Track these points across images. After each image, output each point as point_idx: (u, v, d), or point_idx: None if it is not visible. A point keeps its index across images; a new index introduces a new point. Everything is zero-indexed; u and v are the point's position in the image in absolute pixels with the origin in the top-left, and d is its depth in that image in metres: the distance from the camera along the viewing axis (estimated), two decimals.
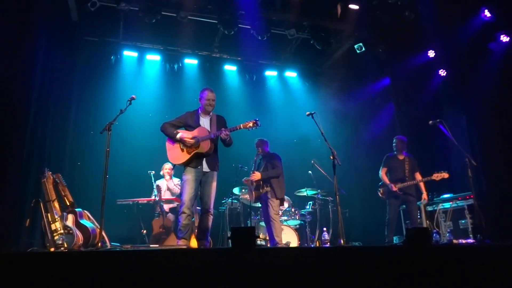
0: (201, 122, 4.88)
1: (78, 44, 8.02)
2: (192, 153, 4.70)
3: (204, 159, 4.76)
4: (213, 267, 2.69)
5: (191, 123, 4.86)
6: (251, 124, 4.75)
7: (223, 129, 4.73)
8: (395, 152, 6.68)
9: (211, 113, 4.98)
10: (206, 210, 4.73)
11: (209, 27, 8.10)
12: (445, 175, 6.12)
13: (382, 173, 6.65)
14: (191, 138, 4.71)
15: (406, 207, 6.59)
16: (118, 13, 7.56)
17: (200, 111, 4.97)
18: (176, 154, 4.77)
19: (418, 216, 6.60)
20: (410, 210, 6.42)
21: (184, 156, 4.72)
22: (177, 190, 6.94)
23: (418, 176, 6.46)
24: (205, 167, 4.76)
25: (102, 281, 2.52)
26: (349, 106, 9.73)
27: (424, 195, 6.38)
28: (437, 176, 6.16)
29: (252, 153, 6.23)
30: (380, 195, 6.66)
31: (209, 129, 4.81)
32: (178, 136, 4.73)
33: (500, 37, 6.60)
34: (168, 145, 4.84)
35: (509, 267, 3.20)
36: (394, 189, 6.36)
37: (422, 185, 6.39)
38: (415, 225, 6.30)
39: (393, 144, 6.71)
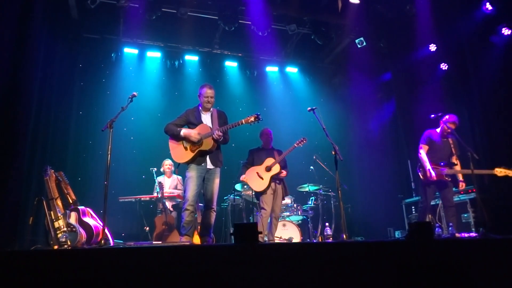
0: (202, 119, 4.88)
1: (79, 42, 8.04)
2: (196, 151, 4.70)
3: (208, 156, 4.76)
4: (216, 263, 2.70)
5: (192, 120, 4.85)
6: (252, 119, 4.74)
7: (216, 129, 4.68)
8: (439, 131, 5.88)
9: (211, 109, 4.97)
10: (209, 206, 4.74)
11: (210, 23, 8.09)
12: (511, 173, 5.26)
13: (423, 151, 5.78)
14: (197, 134, 4.71)
15: (441, 193, 5.82)
16: (118, 10, 7.56)
17: (200, 108, 4.96)
18: (180, 153, 4.77)
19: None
20: (448, 197, 5.71)
21: (188, 155, 4.72)
22: (177, 192, 6.91)
23: (457, 161, 5.79)
24: (209, 164, 4.77)
25: (105, 278, 2.52)
26: (351, 101, 9.73)
27: (462, 181, 5.73)
28: (499, 172, 5.30)
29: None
30: (428, 177, 5.65)
31: (210, 126, 4.81)
32: (181, 133, 4.73)
33: (501, 30, 6.56)
34: (171, 144, 4.84)
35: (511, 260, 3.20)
36: (434, 179, 5.62)
37: (460, 174, 5.73)
38: (453, 211, 5.70)
39: (446, 125, 5.76)
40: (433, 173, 5.61)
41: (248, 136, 7.22)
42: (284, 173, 5.81)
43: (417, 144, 6.30)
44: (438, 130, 5.92)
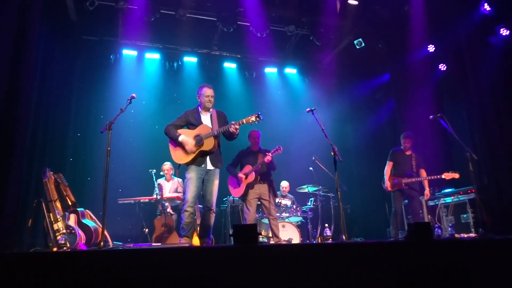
0: (202, 119, 4.87)
1: (77, 44, 8.04)
2: (197, 152, 4.69)
3: (208, 156, 4.76)
4: (215, 265, 2.70)
5: (192, 121, 4.85)
6: (253, 118, 4.71)
7: (232, 122, 4.67)
8: (402, 147, 6.57)
9: (211, 110, 4.98)
10: (208, 208, 4.73)
11: (208, 25, 8.09)
12: (456, 175, 5.99)
13: (387, 167, 6.54)
14: (193, 138, 4.71)
15: (408, 203, 6.49)
16: (117, 12, 7.55)
17: (200, 108, 4.96)
18: (181, 154, 4.75)
19: (421, 211, 6.59)
20: (413, 206, 6.32)
21: (189, 155, 4.71)
22: (176, 194, 6.89)
23: (423, 173, 6.38)
24: (209, 165, 4.76)
25: (105, 280, 2.52)
26: (350, 101, 9.73)
27: (427, 192, 6.31)
28: (447, 176, 6.03)
29: None
30: (385, 188, 6.50)
31: (210, 126, 4.81)
32: (180, 138, 4.72)
33: (500, 31, 6.57)
34: (172, 146, 4.83)
35: (511, 260, 3.20)
36: (390, 189, 6.38)
37: (426, 182, 6.31)
38: (417, 221, 6.21)
39: (402, 141, 6.56)
40: (387, 184, 6.42)
41: (246, 137, 7.21)
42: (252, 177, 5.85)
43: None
44: (401, 147, 6.58)
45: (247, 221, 5.78)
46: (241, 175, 5.82)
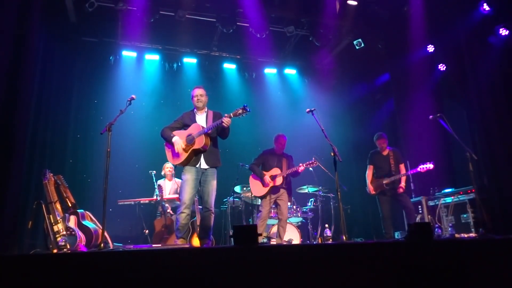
0: (197, 120, 4.91)
1: (77, 45, 8.04)
2: (189, 151, 4.70)
3: (202, 155, 4.75)
4: (215, 266, 2.70)
5: (188, 122, 4.89)
6: (240, 111, 4.60)
7: (226, 114, 4.64)
8: (378, 149, 6.58)
9: (206, 110, 4.99)
10: (207, 208, 4.74)
11: (208, 26, 8.09)
12: (431, 166, 6.00)
13: (368, 171, 6.54)
14: (186, 138, 4.75)
15: (399, 203, 6.35)
16: (116, 13, 7.56)
17: (195, 110, 5.01)
18: (175, 155, 4.79)
19: (420, 212, 6.57)
20: (404, 205, 6.25)
21: (183, 155, 4.73)
22: (177, 195, 6.88)
23: (402, 169, 6.36)
24: (203, 164, 4.75)
25: (105, 281, 2.52)
26: (349, 102, 9.73)
27: (401, 185, 6.19)
28: (422, 168, 6.03)
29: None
30: (369, 191, 6.44)
31: (204, 126, 4.81)
32: (173, 140, 4.76)
33: (499, 31, 6.57)
34: (166, 147, 4.90)
35: (511, 260, 3.20)
36: (373, 192, 6.35)
37: (403, 178, 6.24)
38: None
39: (376, 144, 6.57)
40: (369, 188, 6.40)
41: (246, 137, 7.23)
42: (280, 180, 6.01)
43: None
44: (378, 149, 6.57)
45: (260, 218, 5.92)
46: (268, 178, 5.95)
